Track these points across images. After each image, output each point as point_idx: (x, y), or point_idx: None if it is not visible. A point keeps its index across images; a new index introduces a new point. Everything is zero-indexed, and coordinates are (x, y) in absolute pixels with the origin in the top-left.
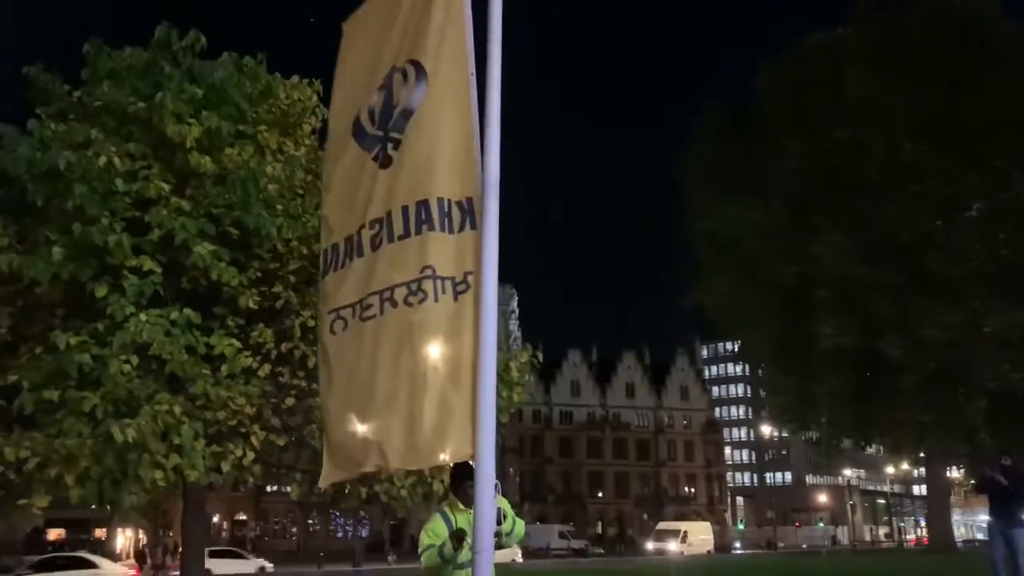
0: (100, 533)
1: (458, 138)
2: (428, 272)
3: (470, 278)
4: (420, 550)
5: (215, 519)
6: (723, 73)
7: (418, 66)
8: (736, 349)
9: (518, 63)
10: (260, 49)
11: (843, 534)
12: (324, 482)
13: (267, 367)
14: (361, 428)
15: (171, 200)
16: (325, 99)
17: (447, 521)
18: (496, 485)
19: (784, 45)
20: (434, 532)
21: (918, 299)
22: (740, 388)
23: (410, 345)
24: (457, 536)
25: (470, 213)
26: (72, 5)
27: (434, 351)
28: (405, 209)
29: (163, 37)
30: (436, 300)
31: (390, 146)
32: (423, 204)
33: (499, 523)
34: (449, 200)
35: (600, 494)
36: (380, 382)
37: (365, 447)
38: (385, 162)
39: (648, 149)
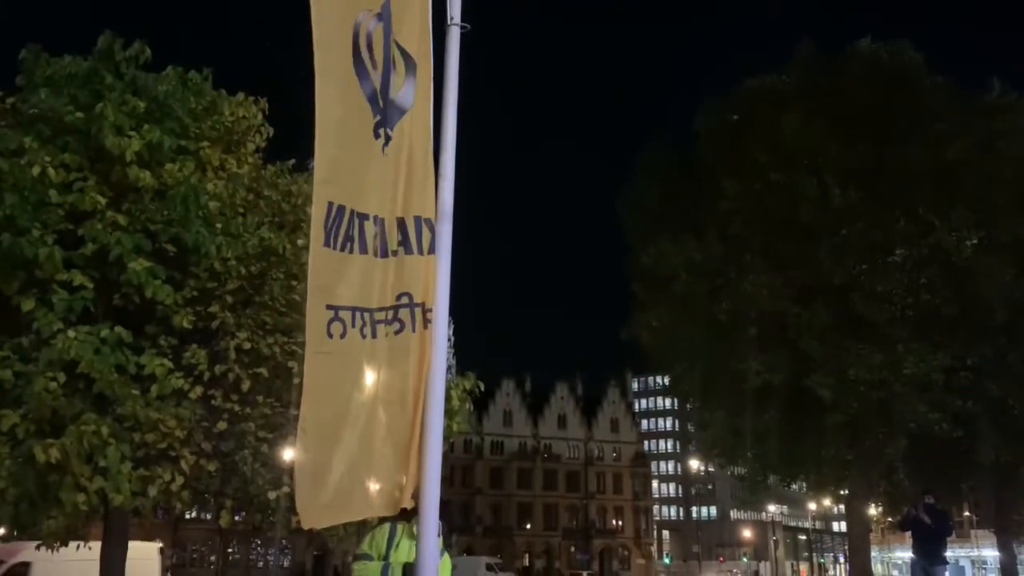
0: None
1: (427, 152)
2: (404, 299)
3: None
4: (357, 552)
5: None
6: (668, 111)
7: (408, 58)
8: (666, 383)
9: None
10: (206, 64)
11: (766, 569)
12: (312, 524)
13: (199, 389)
14: (338, 468)
15: (107, 214)
16: (271, 118)
17: (392, 535)
18: (440, 525)
19: (727, 89)
20: (376, 543)
21: (845, 339)
22: (669, 422)
23: (385, 379)
24: (406, 573)
25: (434, 233)
26: (5, 10)
27: (405, 386)
28: (400, 222)
29: (106, 47)
30: (413, 331)
31: (386, 136)
32: (401, 222)
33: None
34: (422, 218)
35: (528, 526)
36: (360, 416)
37: (344, 491)
38: (383, 154)
39: (590, 181)
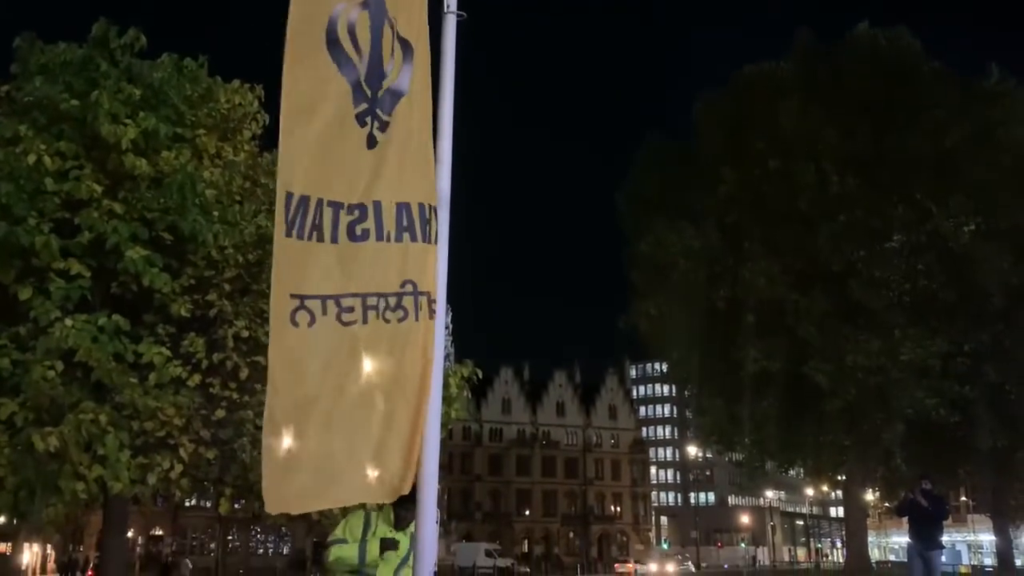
0: (3, 548)
1: (427, 139)
2: (408, 287)
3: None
4: (330, 539)
5: (129, 534)
6: (667, 110)
7: (405, 44)
8: (664, 370)
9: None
10: (202, 51)
11: (763, 555)
12: (275, 509)
13: (197, 377)
14: (318, 454)
15: (103, 202)
16: (267, 105)
17: (367, 522)
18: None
19: (727, 77)
20: (350, 527)
21: (842, 326)
22: (667, 408)
23: (383, 366)
24: (385, 546)
25: (437, 221)
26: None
27: (406, 374)
28: (399, 207)
29: (100, 34)
30: (416, 319)
31: (376, 124)
32: (404, 207)
33: (393, 547)
34: (428, 205)
35: (527, 512)
36: (348, 402)
37: (321, 477)
38: (371, 142)
39: (589, 174)
